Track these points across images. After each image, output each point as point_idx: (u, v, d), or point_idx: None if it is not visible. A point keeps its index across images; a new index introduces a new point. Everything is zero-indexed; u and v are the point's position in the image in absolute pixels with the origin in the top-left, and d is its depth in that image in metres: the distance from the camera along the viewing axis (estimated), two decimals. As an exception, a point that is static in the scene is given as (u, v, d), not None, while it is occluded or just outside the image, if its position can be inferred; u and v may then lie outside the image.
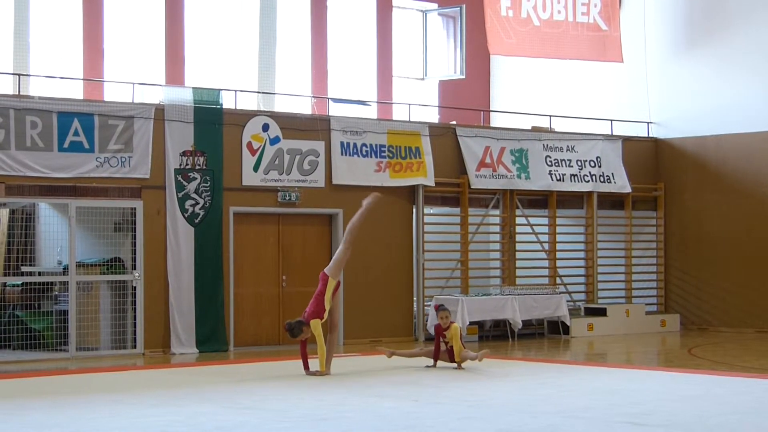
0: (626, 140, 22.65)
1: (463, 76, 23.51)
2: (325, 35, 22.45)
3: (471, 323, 19.41)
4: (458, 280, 20.67)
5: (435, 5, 23.79)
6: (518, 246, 21.39)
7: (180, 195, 17.71)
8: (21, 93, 17.40)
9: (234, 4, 21.40)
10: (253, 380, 13.56)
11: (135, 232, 17.37)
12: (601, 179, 22.07)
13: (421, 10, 23.79)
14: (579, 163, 21.83)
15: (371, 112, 21.93)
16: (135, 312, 17.32)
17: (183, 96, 17.97)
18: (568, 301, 21.02)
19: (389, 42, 23.39)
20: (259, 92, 20.65)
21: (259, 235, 18.75)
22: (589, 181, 21.91)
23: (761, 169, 21.47)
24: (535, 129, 21.92)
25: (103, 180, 17.11)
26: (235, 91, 18.99)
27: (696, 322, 22.26)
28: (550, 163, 21.47)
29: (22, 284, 17.37)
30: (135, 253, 17.34)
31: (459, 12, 23.36)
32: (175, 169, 17.68)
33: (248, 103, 19.87)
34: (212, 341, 17.83)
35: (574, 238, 22.23)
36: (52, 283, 17.36)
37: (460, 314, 19.12)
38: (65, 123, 16.79)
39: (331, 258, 19.01)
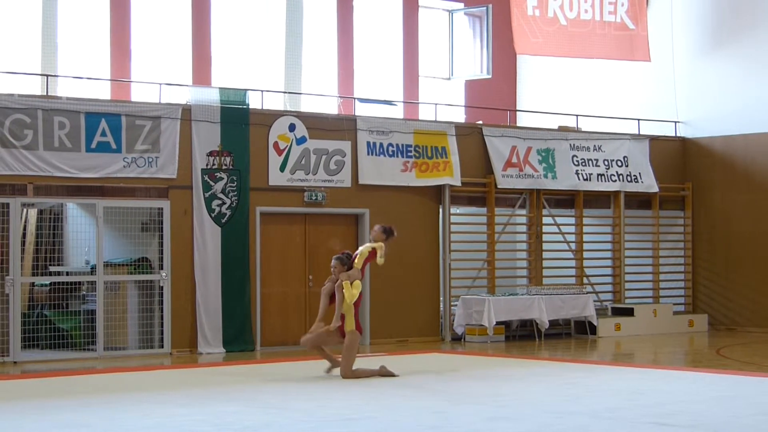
0: (653, 139, 22.56)
1: (490, 76, 23.47)
2: (352, 35, 22.46)
3: (498, 323, 19.37)
4: (485, 280, 20.64)
5: (461, 5, 23.76)
6: (545, 246, 21.33)
7: (207, 195, 17.75)
8: (49, 94, 17.49)
9: (260, 4, 21.44)
10: (280, 380, 13.58)
11: (162, 232, 17.42)
12: (628, 179, 21.99)
13: (448, 10, 23.76)
14: (606, 163, 21.76)
15: (397, 112, 21.92)
16: (162, 312, 17.37)
17: (210, 96, 18.02)
18: (595, 301, 20.95)
19: (415, 42, 23.38)
20: (285, 92, 20.68)
21: (285, 235, 18.78)
22: (616, 180, 21.84)
23: (790, 168, 21.39)
24: (561, 128, 21.86)
25: (130, 180, 17.17)
26: (262, 91, 19.02)
27: (724, 322, 22.15)
28: (576, 163, 21.41)
29: (50, 284, 17.47)
30: (162, 253, 17.39)
31: (485, 11, 23.32)
32: (201, 169, 17.72)
33: (275, 103, 19.91)
34: (239, 341, 17.87)
35: (601, 237, 22.15)
36: (79, 282, 17.45)
37: (487, 314, 19.11)
38: (93, 123, 16.86)
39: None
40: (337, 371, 13.55)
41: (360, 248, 14.10)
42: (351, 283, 13.51)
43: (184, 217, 17.64)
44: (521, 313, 19.78)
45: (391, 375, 13.59)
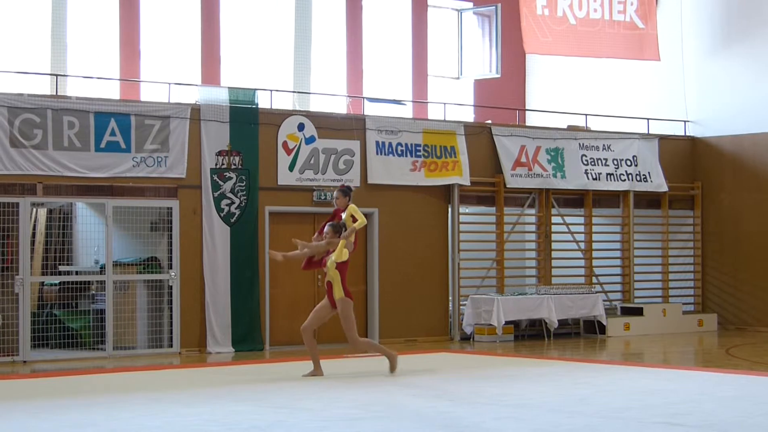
0: (663, 139, 22.53)
1: (499, 75, 23.45)
2: (361, 34, 22.46)
3: (507, 323, 19.36)
4: (494, 279, 20.62)
5: (470, 4, 23.75)
6: (554, 245, 21.31)
7: (216, 194, 17.77)
8: (58, 93, 17.52)
9: (269, 4, 21.44)
10: (289, 380, 13.59)
11: (171, 231, 17.44)
12: (638, 178, 21.96)
13: (457, 9, 23.74)
14: (615, 162, 21.74)
15: (406, 112, 21.92)
16: (171, 311, 17.39)
17: (219, 96, 18.03)
18: (604, 300, 20.93)
19: (424, 41, 23.37)
20: (294, 92, 20.68)
21: (294, 235, 18.66)
22: (625, 180, 21.81)
23: (800, 167, 21.35)
24: (570, 128, 21.84)
25: (139, 180, 17.19)
26: (271, 90, 19.02)
27: (734, 321, 22.11)
28: (586, 162, 21.39)
29: (60, 283, 17.50)
30: (171, 253, 17.41)
31: (494, 11, 23.30)
32: (211, 169, 17.73)
33: (284, 102, 19.91)
34: (248, 340, 17.88)
35: (611, 237, 22.12)
36: (89, 282, 17.47)
37: (496, 313, 19.10)
38: (102, 123, 16.89)
39: (366, 260, 19.11)
40: (315, 379, 13.52)
41: (344, 215, 14.12)
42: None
43: (193, 217, 17.65)
44: (530, 312, 19.77)
45: (394, 369, 13.63)
